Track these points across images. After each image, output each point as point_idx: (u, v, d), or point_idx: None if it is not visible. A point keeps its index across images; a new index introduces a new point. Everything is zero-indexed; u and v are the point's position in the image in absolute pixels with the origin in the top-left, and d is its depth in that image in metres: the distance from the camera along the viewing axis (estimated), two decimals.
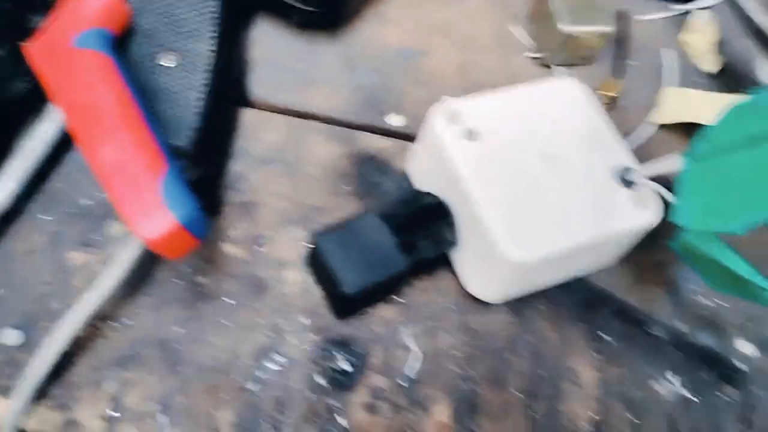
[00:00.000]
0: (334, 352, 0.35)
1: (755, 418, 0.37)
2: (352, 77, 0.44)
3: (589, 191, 0.35)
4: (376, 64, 0.44)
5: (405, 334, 0.36)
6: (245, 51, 0.43)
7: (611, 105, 0.46)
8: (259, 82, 0.42)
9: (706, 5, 0.51)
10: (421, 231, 0.36)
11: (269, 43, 0.44)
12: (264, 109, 0.41)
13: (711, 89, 0.47)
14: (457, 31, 0.47)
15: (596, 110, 0.38)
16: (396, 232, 0.35)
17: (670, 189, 0.34)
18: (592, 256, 0.37)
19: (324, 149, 0.41)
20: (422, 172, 0.39)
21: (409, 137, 0.41)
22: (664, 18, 0.51)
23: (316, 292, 0.36)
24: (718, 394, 0.38)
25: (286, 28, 0.44)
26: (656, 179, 0.36)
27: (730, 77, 0.49)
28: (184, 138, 0.34)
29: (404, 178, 0.40)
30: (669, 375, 0.38)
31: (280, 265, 0.37)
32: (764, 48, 0.50)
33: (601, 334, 0.38)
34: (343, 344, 0.35)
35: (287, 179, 0.39)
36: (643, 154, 0.40)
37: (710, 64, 0.48)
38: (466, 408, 0.35)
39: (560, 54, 0.45)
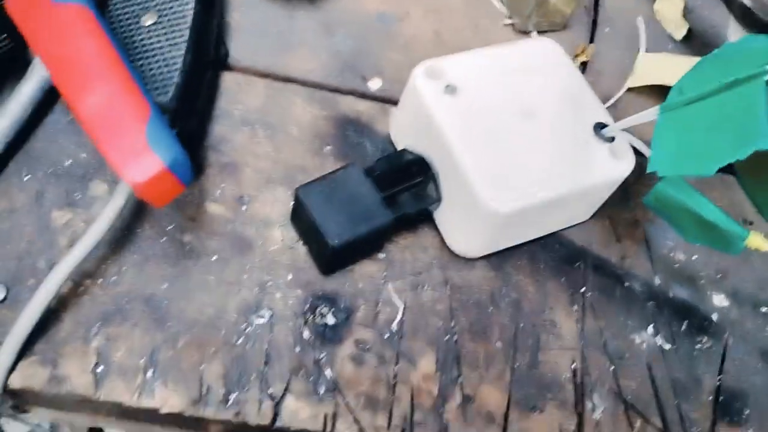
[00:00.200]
0: (319, 307, 0.35)
1: (727, 364, 0.39)
2: (331, 42, 0.44)
3: (566, 145, 0.36)
4: (354, 29, 0.45)
5: (389, 290, 0.37)
6: (225, 13, 0.43)
7: (583, 69, 0.46)
8: (239, 47, 0.42)
9: None
10: (403, 187, 0.37)
11: (248, 9, 0.44)
12: (244, 73, 0.42)
13: (683, 54, 0.48)
14: None
15: (572, 69, 0.39)
16: (379, 187, 0.35)
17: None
18: (570, 209, 0.38)
19: (305, 112, 0.41)
20: (404, 131, 0.39)
21: (388, 100, 0.42)
22: None
23: (302, 250, 0.37)
24: (693, 343, 0.39)
25: None
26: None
27: (702, 43, 0.50)
28: (166, 94, 0.34)
29: (386, 140, 0.41)
30: (646, 326, 0.39)
31: (265, 224, 0.37)
32: (734, 13, 0.52)
33: (580, 288, 0.39)
34: (329, 299, 0.36)
35: (269, 140, 0.39)
36: (617, 115, 0.42)
37: (680, 30, 0.49)
38: (451, 359, 0.35)
39: (533, 19, 0.46)
